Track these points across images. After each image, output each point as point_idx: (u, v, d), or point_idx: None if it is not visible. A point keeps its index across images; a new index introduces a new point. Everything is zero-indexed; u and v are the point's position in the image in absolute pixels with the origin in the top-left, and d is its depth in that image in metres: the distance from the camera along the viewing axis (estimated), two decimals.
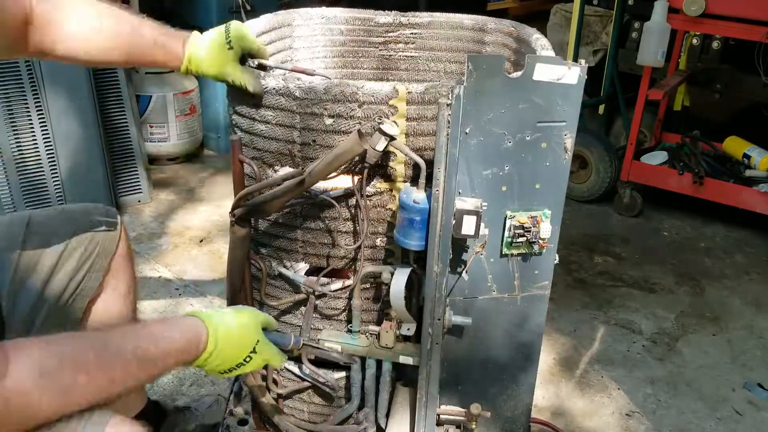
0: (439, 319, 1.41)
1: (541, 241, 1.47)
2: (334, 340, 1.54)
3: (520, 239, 1.45)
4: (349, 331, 1.55)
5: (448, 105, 1.25)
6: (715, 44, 3.64)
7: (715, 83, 3.64)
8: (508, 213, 1.42)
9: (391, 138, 1.31)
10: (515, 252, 1.48)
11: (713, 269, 2.96)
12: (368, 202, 1.44)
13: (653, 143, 3.62)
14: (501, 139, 1.37)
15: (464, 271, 1.45)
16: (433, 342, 1.44)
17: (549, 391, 2.17)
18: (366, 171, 1.37)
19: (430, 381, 1.48)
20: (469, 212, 1.34)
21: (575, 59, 3.62)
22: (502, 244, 1.47)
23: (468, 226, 1.34)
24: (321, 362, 1.59)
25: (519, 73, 1.32)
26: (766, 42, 2.90)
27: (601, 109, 4.08)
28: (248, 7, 3.52)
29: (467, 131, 1.34)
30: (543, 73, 1.32)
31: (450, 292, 1.49)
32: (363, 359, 1.56)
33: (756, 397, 2.19)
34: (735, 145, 3.35)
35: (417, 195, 1.34)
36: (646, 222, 3.37)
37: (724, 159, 3.36)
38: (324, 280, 1.54)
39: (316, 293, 1.53)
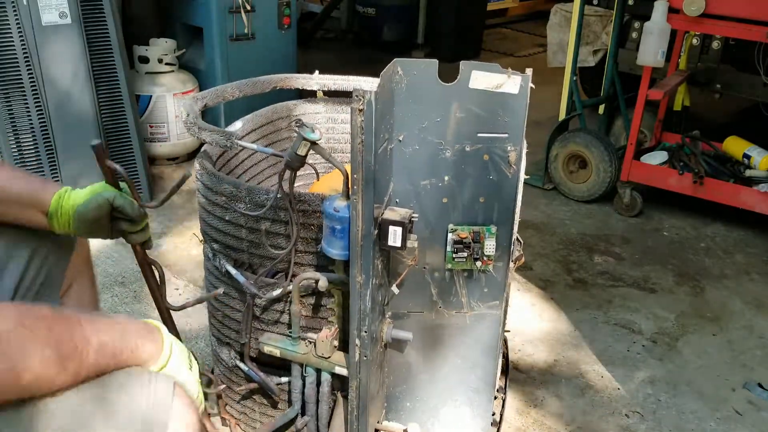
0: (365, 332, 1.34)
1: (485, 258, 1.40)
2: (273, 345, 1.50)
3: (461, 254, 1.38)
4: (290, 336, 1.51)
5: (360, 111, 1.16)
6: (715, 44, 3.64)
7: (715, 83, 3.63)
8: (451, 226, 1.37)
9: (312, 143, 1.26)
10: (459, 267, 1.42)
11: (713, 269, 2.95)
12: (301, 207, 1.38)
13: (653, 143, 3.62)
14: (438, 148, 1.31)
15: (395, 284, 1.40)
16: (361, 355, 1.37)
17: (549, 391, 2.17)
18: (292, 175, 1.32)
19: (360, 394, 1.42)
20: (394, 223, 1.28)
21: (575, 59, 3.62)
22: (445, 258, 1.41)
23: (394, 237, 1.28)
24: (268, 363, 1.57)
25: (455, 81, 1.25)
26: (766, 42, 2.90)
27: (601, 109, 4.07)
28: (248, 8, 3.51)
29: (401, 138, 1.29)
30: (480, 81, 1.25)
31: (387, 304, 1.44)
32: (303, 366, 1.52)
33: (756, 397, 2.19)
34: (735, 145, 3.35)
35: (338, 203, 1.28)
36: (646, 222, 3.36)
37: (724, 159, 3.36)
38: (269, 280, 1.50)
39: (254, 295, 1.49)
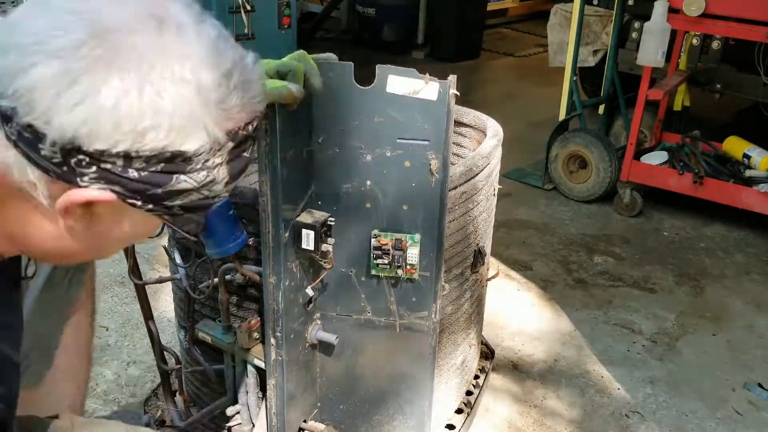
0: (279, 333, 1.35)
1: (408, 267, 1.37)
2: (206, 332, 1.53)
3: (382, 260, 1.37)
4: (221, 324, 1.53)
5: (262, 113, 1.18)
6: (715, 44, 3.64)
7: (715, 83, 3.63)
8: (374, 231, 1.35)
9: None
10: (383, 274, 1.40)
11: (713, 269, 2.95)
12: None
13: (653, 143, 3.62)
14: (358, 152, 1.29)
15: (310, 287, 1.39)
16: (277, 355, 1.38)
17: (549, 391, 2.17)
18: None
19: (277, 393, 1.42)
20: (306, 226, 1.27)
21: (575, 59, 3.62)
22: (369, 264, 1.39)
23: (307, 240, 1.27)
24: (216, 349, 1.58)
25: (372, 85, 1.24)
26: (766, 42, 2.90)
27: (601, 109, 4.08)
28: (248, 8, 3.51)
29: (320, 141, 1.28)
30: (397, 86, 1.23)
31: (312, 304, 1.43)
32: (231, 355, 1.54)
33: (756, 397, 2.19)
34: (735, 145, 3.35)
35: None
36: (646, 222, 3.36)
37: (724, 159, 3.36)
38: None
39: (189, 282, 1.52)
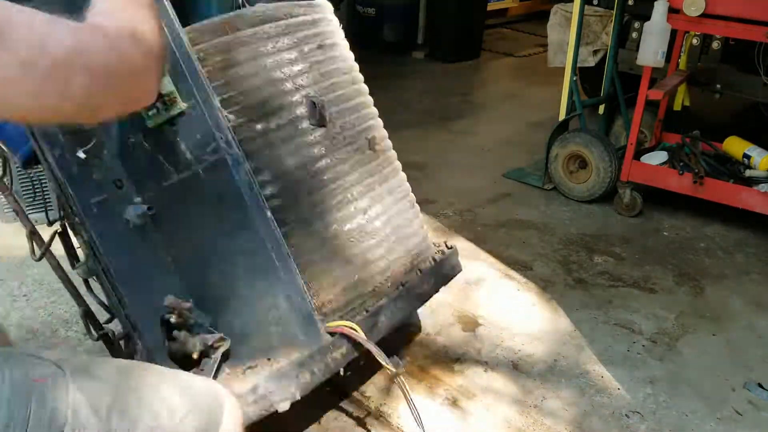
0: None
1: (167, 97, 1.42)
2: None
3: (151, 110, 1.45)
4: None
5: None
6: (715, 44, 3.64)
7: (715, 83, 3.63)
8: None
9: None
10: (159, 120, 1.44)
11: (713, 269, 2.95)
12: None
13: (653, 143, 3.62)
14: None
15: (81, 150, 1.45)
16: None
17: (549, 391, 2.17)
18: None
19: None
20: None
21: (575, 59, 3.62)
22: (145, 116, 1.43)
23: None
24: None
25: None
26: (766, 42, 2.90)
27: (601, 109, 4.08)
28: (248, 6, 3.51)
29: None
30: None
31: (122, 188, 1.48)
32: None
33: (756, 397, 2.19)
34: (735, 145, 3.35)
35: None
36: (646, 222, 3.36)
37: (724, 159, 3.36)
38: None
39: None
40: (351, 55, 1.97)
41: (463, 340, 2.39)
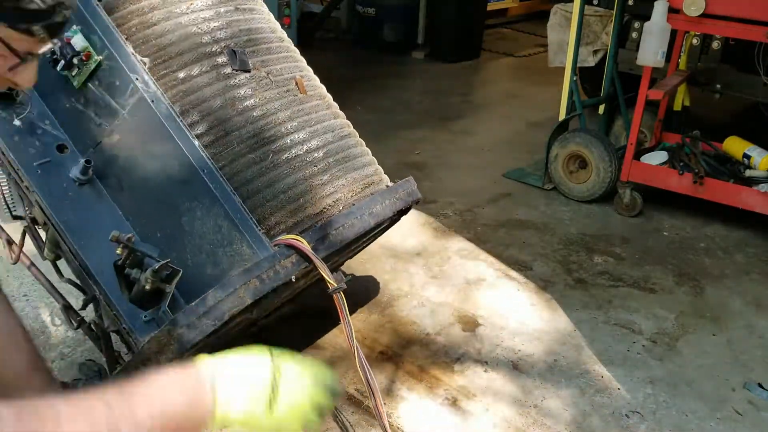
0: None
1: (84, 53, 1.56)
2: None
3: (70, 71, 1.57)
4: None
5: None
6: (715, 44, 3.64)
7: (715, 83, 3.63)
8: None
9: None
10: (82, 78, 1.59)
11: (713, 269, 2.95)
12: None
13: (653, 143, 3.62)
14: None
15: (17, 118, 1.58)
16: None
17: (549, 391, 2.17)
18: None
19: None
20: None
21: (575, 59, 3.62)
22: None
23: None
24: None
25: None
26: (766, 42, 2.90)
27: (601, 109, 4.08)
28: None
29: None
30: None
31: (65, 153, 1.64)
32: None
33: (756, 397, 2.19)
34: (735, 145, 3.35)
35: None
36: (646, 222, 3.36)
37: (724, 159, 3.36)
38: None
39: None
40: (272, 18, 2.04)
41: (462, 340, 2.39)
